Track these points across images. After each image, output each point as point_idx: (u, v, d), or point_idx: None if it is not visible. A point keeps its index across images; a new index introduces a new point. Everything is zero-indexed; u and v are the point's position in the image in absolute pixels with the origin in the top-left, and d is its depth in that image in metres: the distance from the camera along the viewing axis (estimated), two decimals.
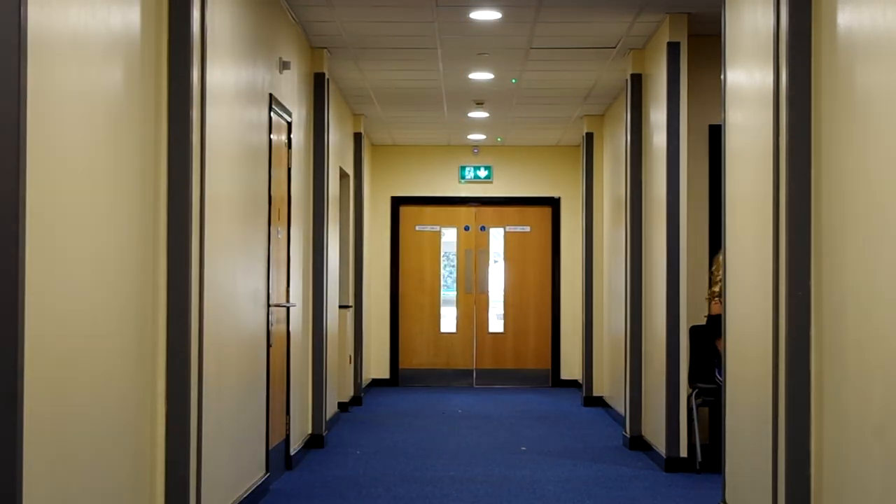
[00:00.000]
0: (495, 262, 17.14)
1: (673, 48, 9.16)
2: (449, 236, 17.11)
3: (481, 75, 11.62)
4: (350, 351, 14.00)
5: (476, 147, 16.81)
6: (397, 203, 16.96)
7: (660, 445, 9.45)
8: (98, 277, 4.74)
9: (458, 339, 17.07)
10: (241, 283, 7.19)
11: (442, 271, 17.08)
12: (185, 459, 5.68)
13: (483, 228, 17.09)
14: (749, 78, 6.61)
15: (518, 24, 9.56)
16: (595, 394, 14.26)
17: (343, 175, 13.36)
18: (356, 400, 14.13)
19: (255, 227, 7.68)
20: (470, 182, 16.91)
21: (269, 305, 8.12)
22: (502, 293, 17.05)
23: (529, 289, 16.99)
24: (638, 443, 10.44)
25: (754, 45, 6.41)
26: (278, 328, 8.69)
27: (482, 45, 10.33)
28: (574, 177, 16.34)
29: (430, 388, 16.62)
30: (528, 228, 17.00)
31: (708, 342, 9.15)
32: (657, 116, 9.68)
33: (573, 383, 16.42)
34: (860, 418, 4.80)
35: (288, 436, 9.21)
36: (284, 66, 8.68)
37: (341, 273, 13.22)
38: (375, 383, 16.60)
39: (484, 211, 17.06)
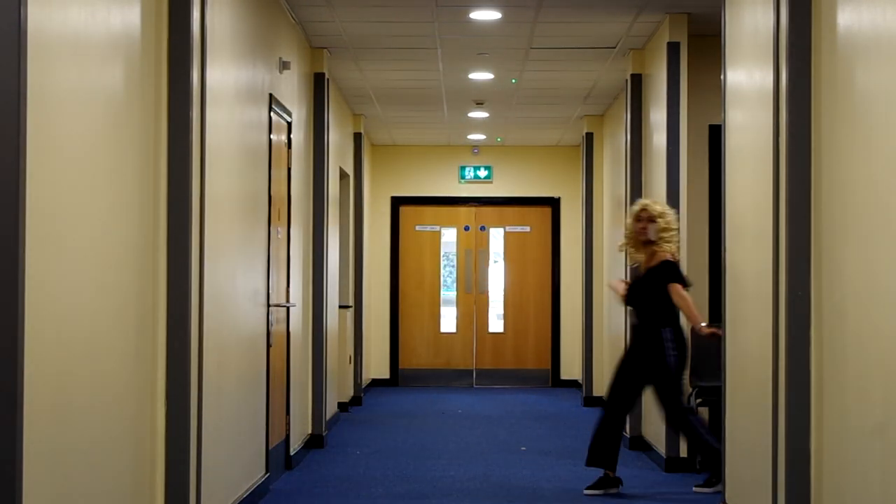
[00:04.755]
0: (495, 262, 17.14)
1: (673, 48, 9.16)
2: (449, 236, 17.11)
3: (481, 75, 11.62)
4: (350, 351, 14.01)
5: (476, 147, 16.81)
6: (397, 203, 16.96)
7: (660, 445, 9.45)
8: (98, 277, 4.74)
9: (457, 339, 17.07)
10: (241, 283, 7.19)
11: (442, 271, 17.09)
12: (185, 459, 5.68)
13: (483, 228, 17.09)
14: (749, 78, 6.61)
15: (518, 24, 9.56)
16: (595, 394, 14.25)
17: (343, 175, 13.36)
18: (356, 400, 14.13)
19: (255, 227, 7.68)
20: (470, 182, 16.91)
21: (269, 305, 8.12)
22: (502, 293, 17.05)
23: (529, 289, 16.99)
24: (638, 443, 10.44)
25: (754, 45, 6.41)
26: (278, 328, 8.69)
27: (482, 45, 10.33)
28: (574, 177, 16.33)
29: (430, 388, 16.62)
30: (528, 228, 17.00)
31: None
32: (657, 116, 9.68)
33: (573, 383, 16.43)
34: (860, 418, 4.80)
35: (288, 436, 9.21)
36: (284, 66, 8.68)
37: (341, 273, 13.22)
38: (375, 383, 16.60)
39: (484, 211, 17.07)
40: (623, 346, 11.02)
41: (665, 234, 8.23)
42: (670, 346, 8.14)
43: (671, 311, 8.18)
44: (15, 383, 3.75)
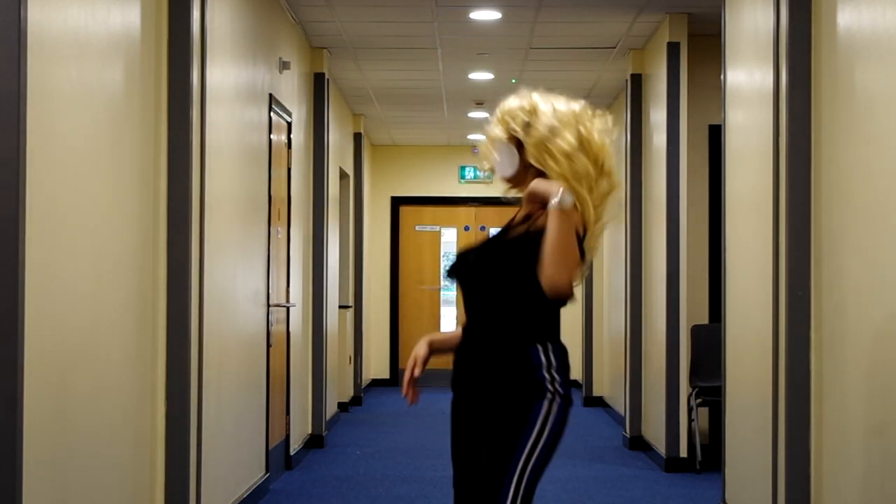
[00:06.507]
0: None
1: (673, 48, 9.16)
2: (449, 236, 17.11)
3: (481, 75, 11.62)
4: (350, 351, 14.01)
5: (476, 147, 16.79)
6: (397, 203, 16.95)
7: (660, 445, 9.45)
8: (98, 278, 4.74)
9: None
10: (241, 283, 7.19)
11: (442, 271, 17.08)
12: (185, 459, 5.68)
13: (483, 228, 17.09)
14: (749, 78, 6.61)
15: (518, 24, 9.56)
16: (595, 394, 14.26)
17: (343, 175, 13.36)
18: (356, 400, 14.13)
19: (254, 227, 7.68)
20: (470, 182, 16.91)
21: (269, 305, 8.11)
22: None
23: None
24: (638, 443, 10.44)
25: (754, 45, 6.41)
26: (278, 328, 8.69)
27: (482, 45, 10.33)
28: None
29: (431, 387, 16.58)
30: None
31: None
32: (657, 116, 9.68)
33: (573, 383, 16.42)
34: (860, 417, 4.80)
35: (288, 436, 9.21)
36: (284, 66, 8.68)
37: (341, 273, 13.21)
38: (375, 383, 16.60)
39: (484, 211, 17.06)
40: (623, 346, 11.00)
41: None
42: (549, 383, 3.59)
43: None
44: (15, 384, 3.75)
